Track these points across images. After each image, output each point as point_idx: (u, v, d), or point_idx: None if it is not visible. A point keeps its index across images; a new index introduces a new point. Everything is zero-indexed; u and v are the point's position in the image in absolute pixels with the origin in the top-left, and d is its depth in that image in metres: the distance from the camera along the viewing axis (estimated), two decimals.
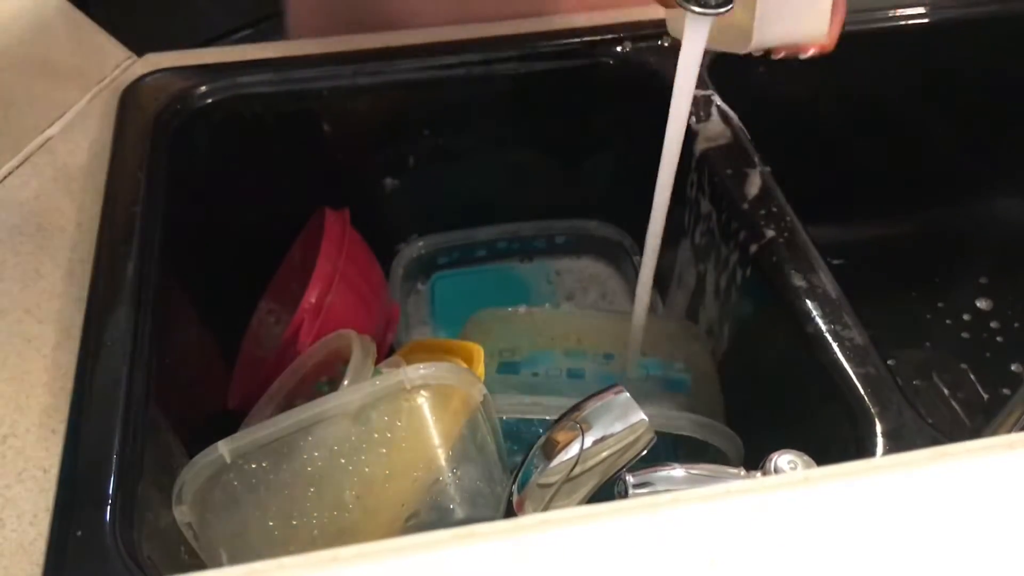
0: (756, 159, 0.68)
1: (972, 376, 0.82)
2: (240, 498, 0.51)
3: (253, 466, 0.51)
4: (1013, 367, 0.83)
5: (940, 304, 0.88)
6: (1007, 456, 0.33)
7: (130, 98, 0.71)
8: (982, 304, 0.88)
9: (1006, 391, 0.81)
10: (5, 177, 0.66)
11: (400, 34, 0.77)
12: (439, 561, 0.29)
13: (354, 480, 0.51)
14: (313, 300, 0.68)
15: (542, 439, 0.49)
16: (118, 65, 0.76)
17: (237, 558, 0.51)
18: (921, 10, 0.81)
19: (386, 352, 0.75)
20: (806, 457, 0.48)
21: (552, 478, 0.48)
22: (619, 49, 0.76)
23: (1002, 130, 0.92)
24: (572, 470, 0.47)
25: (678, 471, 0.47)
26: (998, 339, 0.85)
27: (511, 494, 0.50)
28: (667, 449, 0.68)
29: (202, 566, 0.52)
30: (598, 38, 0.77)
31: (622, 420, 0.48)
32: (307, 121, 0.76)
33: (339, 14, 0.78)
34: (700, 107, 0.71)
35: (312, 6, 0.83)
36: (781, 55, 0.56)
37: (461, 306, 0.84)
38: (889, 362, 0.54)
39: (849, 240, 0.92)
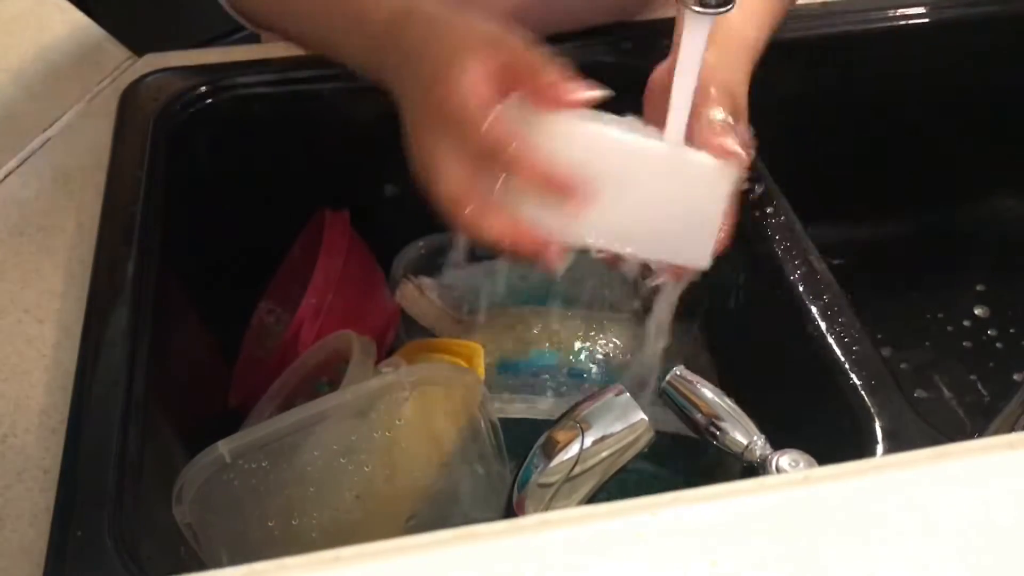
0: (755, 159, 0.68)
1: (972, 376, 0.82)
2: (240, 498, 0.51)
3: (253, 466, 0.51)
4: (1016, 376, 0.82)
5: (940, 304, 0.88)
6: (1007, 456, 0.33)
7: (130, 98, 0.71)
8: (982, 304, 0.88)
9: (1007, 391, 0.81)
10: (5, 177, 0.66)
11: None
12: (439, 561, 0.29)
13: (354, 480, 0.51)
14: (314, 301, 0.68)
15: (542, 439, 0.49)
16: (118, 65, 0.76)
17: (237, 558, 0.51)
18: (921, 10, 0.81)
19: (386, 352, 0.75)
20: (808, 456, 0.48)
21: (552, 478, 0.48)
22: (619, 49, 0.76)
23: (1002, 130, 0.92)
24: (572, 470, 0.48)
25: None
26: (999, 339, 0.85)
27: (511, 494, 0.50)
28: (667, 449, 0.68)
29: (202, 566, 0.52)
30: (598, 38, 0.77)
31: (622, 420, 0.48)
32: (307, 122, 0.76)
33: None
34: None
35: None
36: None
37: None
38: (889, 363, 0.54)
39: (849, 240, 0.92)
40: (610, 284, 0.87)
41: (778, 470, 0.48)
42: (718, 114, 0.51)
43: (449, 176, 0.45)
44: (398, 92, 0.48)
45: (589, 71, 0.77)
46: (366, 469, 0.51)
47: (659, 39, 0.77)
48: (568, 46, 0.77)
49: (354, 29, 0.53)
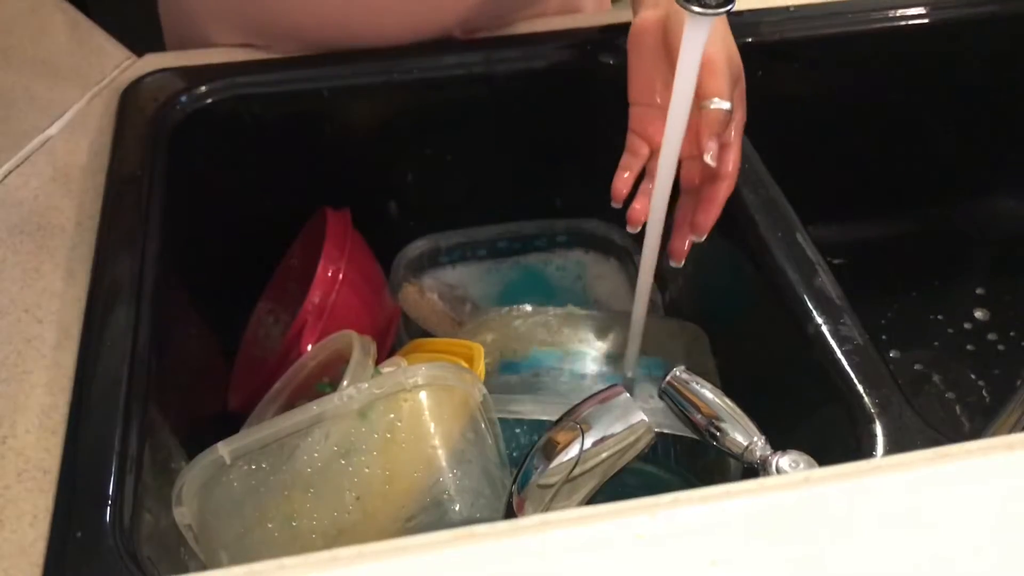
0: (756, 159, 0.68)
1: (972, 376, 0.82)
2: (240, 499, 0.51)
3: (253, 467, 0.51)
4: (1017, 381, 0.82)
5: (940, 304, 0.88)
6: (1007, 456, 0.33)
7: (130, 98, 0.71)
8: (983, 304, 0.88)
9: (1007, 392, 0.81)
10: (5, 177, 0.66)
11: None
12: (439, 561, 0.29)
13: (354, 481, 0.51)
14: (316, 301, 0.68)
15: (542, 440, 0.49)
16: (118, 65, 0.76)
17: (237, 559, 0.51)
18: (921, 10, 0.81)
19: (387, 352, 0.75)
20: (808, 457, 0.48)
21: (552, 479, 0.48)
22: (620, 49, 0.76)
23: (1002, 130, 0.92)
24: (572, 471, 0.47)
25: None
26: (1000, 340, 0.85)
27: (511, 495, 0.50)
28: (667, 449, 0.68)
29: (202, 566, 0.52)
30: (598, 38, 0.77)
31: (622, 420, 0.48)
32: (307, 121, 0.76)
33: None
34: None
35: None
36: None
37: None
38: (890, 363, 0.54)
39: (849, 240, 0.92)
40: (610, 284, 0.87)
41: (778, 471, 0.47)
42: (724, 104, 0.54)
43: None
44: None
45: (589, 71, 0.78)
46: (366, 470, 0.51)
47: None
48: (567, 46, 0.77)
49: None
